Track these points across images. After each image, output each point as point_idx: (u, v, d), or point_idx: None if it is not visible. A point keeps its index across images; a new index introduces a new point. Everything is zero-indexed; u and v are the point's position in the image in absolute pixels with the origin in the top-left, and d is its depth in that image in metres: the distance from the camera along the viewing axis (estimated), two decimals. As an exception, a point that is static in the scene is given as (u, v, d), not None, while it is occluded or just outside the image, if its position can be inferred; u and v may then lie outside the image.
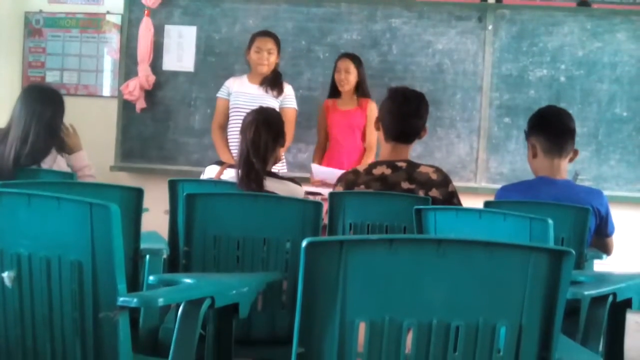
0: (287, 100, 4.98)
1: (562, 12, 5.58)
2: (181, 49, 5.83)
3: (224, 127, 5.03)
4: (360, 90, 5.12)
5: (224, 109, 5.02)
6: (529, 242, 2.08)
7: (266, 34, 4.99)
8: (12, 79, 6.03)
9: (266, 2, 5.76)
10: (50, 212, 1.62)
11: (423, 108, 3.29)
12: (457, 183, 5.05)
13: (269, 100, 4.83)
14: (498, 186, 5.40)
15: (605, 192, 3.27)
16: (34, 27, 6.05)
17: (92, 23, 6.01)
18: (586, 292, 2.06)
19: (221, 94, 5.07)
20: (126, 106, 5.82)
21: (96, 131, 5.58)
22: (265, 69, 4.91)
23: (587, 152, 5.48)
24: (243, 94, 4.93)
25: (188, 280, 1.97)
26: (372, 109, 5.00)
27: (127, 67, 5.84)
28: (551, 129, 3.17)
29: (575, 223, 2.92)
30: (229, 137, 5.01)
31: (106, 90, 6.01)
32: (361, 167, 3.27)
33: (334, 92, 5.17)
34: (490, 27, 5.60)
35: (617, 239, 3.30)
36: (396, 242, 1.16)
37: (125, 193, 2.35)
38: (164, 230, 3.20)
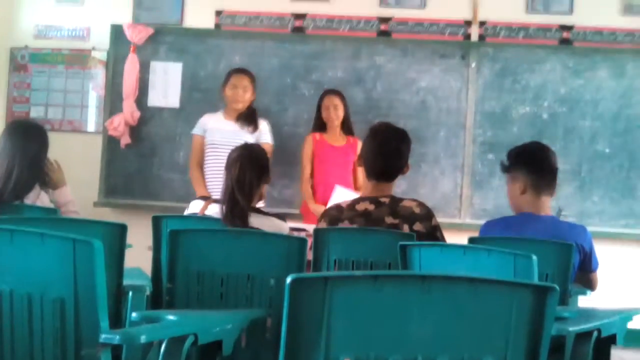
0: (263, 136, 5.02)
1: (544, 50, 5.65)
2: (167, 85, 5.84)
3: (201, 165, 5.04)
4: (346, 126, 5.17)
5: (200, 145, 5.06)
6: (513, 278, 2.08)
7: (241, 71, 5.08)
8: (-3, 114, 6.02)
9: (252, 39, 5.80)
10: (33, 248, 1.61)
11: (404, 146, 3.30)
12: (441, 219, 5.04)
13: (245, 136, 4.85)
14: (482, 222, 5.45)
15: (589, 228, 3.28)
16: (19, 63, 6.06)
17: (78, 59, 6.02)
18: (571, 329, 2.07)
19: (196, 131, 5.11)
20: (111, 142, 5.81)
21: (80, 167, 5.56)
22: (241, 106, 4.98)
23: (570, 188, 5.52)
24: (219, 131, 4.97)
25: (171, 317, 1.96)
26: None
27: (112, 103, 5.83)
28: (542, 166, 3.19)
29: (559, 259, 2.92)
30: (206, 174, 5.02)
31: (91, 126, 6.00)
32: (344, 203, 3.27)
33: (319, 127, 5.20)
34: (473, 65, 5.66)
35: (601, 275, 3.31)
36: (381, 278, 1.15)
37: (108, 229, 2.33)
38: (147, 267, 3.17)
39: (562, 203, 5.24)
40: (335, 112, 5.10)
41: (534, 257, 2.06)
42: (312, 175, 5.19)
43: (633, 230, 5.57)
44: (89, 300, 1.59)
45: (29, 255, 1.62)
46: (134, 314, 2.07)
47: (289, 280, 1.15)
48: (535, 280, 2.04)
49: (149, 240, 3.29)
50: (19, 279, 1.63)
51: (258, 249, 2.41)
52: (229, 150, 4.69)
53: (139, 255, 3.46)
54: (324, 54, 5.76)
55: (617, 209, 5.59)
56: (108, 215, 5.81)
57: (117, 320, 2.34)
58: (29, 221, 2.39)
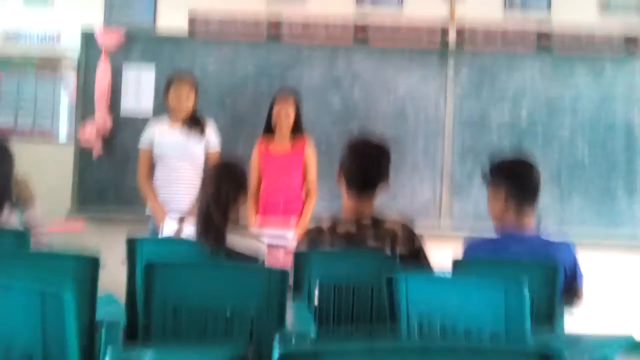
0: (211, 144, 4.90)
1: (523, 57, 5.61)
2: (140, 91, 5.71)
3: (151, 178, 4.92)
4: (296, 127, 4.93)
5: (148, 160, 4.92)
6: (504, 312, 2.00)
7: (182, 77, 4.94)
8: (-36, 123, 5.85)
9: (226, 45, 5.68)
10: (-3, 301, 1.50)
11: (384, 159, 3.22)
12: (420, 227, 5.00)
13: (194, 146, 4.82)
14: (462, 232, 5.41)
15: (569, 236, 3.19)
16: (-13, 69, 5.89)
17: (49, 64, 5.87)
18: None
19: (142, 145, 4.95)
20: (83, 152, 5.67)
21: (52, 177, 5.44)
22: (184, 113, 4.85)
23: (550, 196, 5.47)
24: (166, 141, 4.85)
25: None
26: (310, 149, 4.91)
27: (83, 110, 5.69)
28: (525, 184, 3.12)
29: (546, 281, 2.86)
30: (156, 187, 4.89)
31: (62, 135, 5.85)
32: (324, 225, 3.17)
33: (269, 128, 4.95)
34: (451, 72, 5.60)
35: (584, 281, 3.24)
36: (377, 352, 1.06)
37: (80, 263, 2.22)
38: (121, 281, 3.06)
39: (542, 211, 5.20)
40: (286, 120, 4.87)
41: (526, 291, 1.98)
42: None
43: (614, 237, 5.54)
44: (58, 355, 1.48)
45: (-6, 308, 1.51)
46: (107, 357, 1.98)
47: (276, 356, 1.05)
48: (527, 314, 1.96)
49: (122, 252, 3.16)
50: (-17, 332, 1.53)
51: (238, 282, 2.31)
52: (177, 160, 4.70)
53: (112, 270, 3.35)
54: (300, 61, 5.67)
55: (597, 217, 5.56)
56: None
57: (90, 356, 2.23)
58: (-3, 256, 2.28)
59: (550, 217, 5.44)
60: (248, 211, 4.75)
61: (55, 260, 2.35)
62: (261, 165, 4.94)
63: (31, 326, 1.49)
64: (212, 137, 4.93)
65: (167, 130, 4.89)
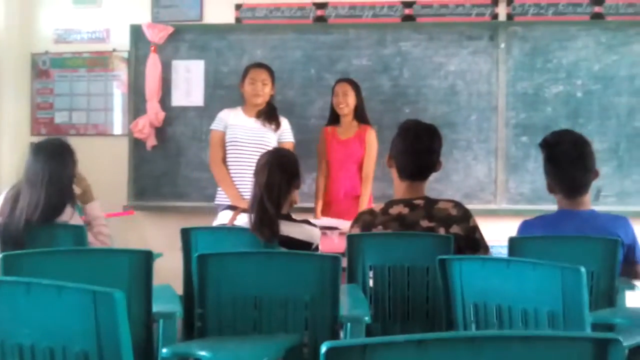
0: (285, 134, 4.86)
1: (575, 27, 5.46)
2: (190, 83, 5.76)
3: (224, 162, 4.86)
4: (359, 116, 5.01)
5: (221, 141, 4.84)
6: (561, 292, 1.96)
7: (260, 65, 4.91)
8: (21, 122, 5.98)
9: (273, 32, 5.68)
10: (51, 301, 1.52)
11: (436, 142, 3.17)
12: (476, 205, 4.96)
13: (268, 134, 4.75)
14: (519, 207, 5.34)
15: (629, 208, 3.11)
16: (41, 69, 6.00)
17: (99, 61, 5.95)
18: (625, 344, 1.94)
19: (216, 126, 4.88)
20: (137, 144, 5.75)
21: (108, 170, 5.54)
22: (261, 100, 4.79)
23: (608, 168, 5.33)
24: (241, 128, 4.79)
25: (203, 353, 1.88)
26: (371, 137, 4.96)
27: (135, 104, 5.76)
28: (567, 175, 3.03)
29: (604, 255, 2.80)
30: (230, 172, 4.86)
31: (116, 129, 5.94)
32: (377, 207, 3.16)
33: (333, 118, 5.08)
34: (502, 46, 5.49)
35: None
36: (426, 342, 1.04)
37: (134, 257, 2.24)
38: (179, 269, 3.10)
39: (600, 183, 5.10)
40: (344, 99, 4.93)
41: (583, 270, 1.93)
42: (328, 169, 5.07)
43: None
44: (114, 353, 1.50)
45: (48, 308, 1.53)
46: (164, 350, 2.00)
47: (324, 349, 1.04)
48: (585, 295, 1.91)
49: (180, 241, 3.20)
50: (39, 332, 1.55)
51: (291, 270, 2.31)
52: (252, 149, 4.64)
53: (169, 261, 3.41)
54: (348, 43, 5.63)
55: (658, 186, 5.41)
56: (138, 218, 5.77)
57: (147, 350, 2.26)
58: (55, 255, 2.30)
59: (609, 190, 5.33)
60: (315, 204, 5.00)
61: (110, 255, 2.38)
62: (328, 148, 5.02)
63: (85, 325, 1.51)
64: (287, 130, 4.90)
65: (243, 117, 4.84)
